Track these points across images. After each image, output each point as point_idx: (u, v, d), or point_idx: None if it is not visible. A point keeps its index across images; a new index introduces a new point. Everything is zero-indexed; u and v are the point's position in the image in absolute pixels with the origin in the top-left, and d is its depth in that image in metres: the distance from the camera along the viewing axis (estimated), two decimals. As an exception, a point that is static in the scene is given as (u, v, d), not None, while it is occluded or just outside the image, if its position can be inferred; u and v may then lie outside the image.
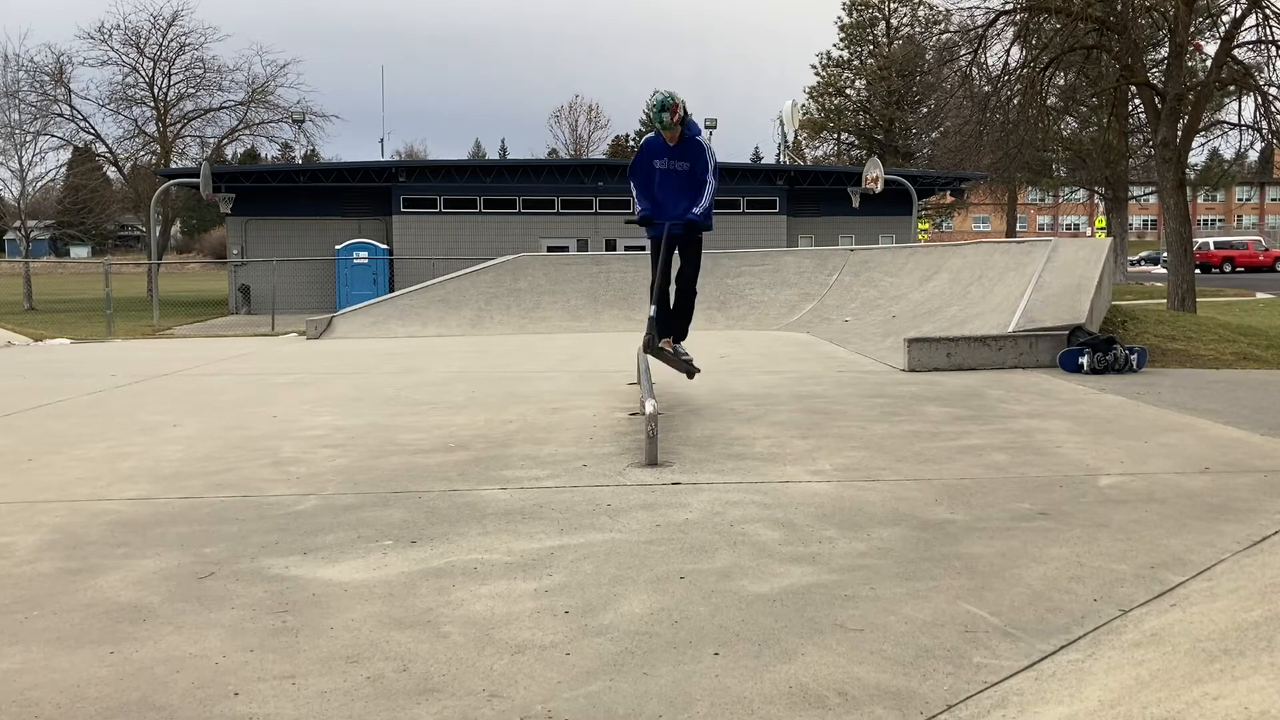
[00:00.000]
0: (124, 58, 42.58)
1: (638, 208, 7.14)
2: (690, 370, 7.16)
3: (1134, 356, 8.97)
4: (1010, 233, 58.17)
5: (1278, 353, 11.43)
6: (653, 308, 7.01)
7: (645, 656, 2.88)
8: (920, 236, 39.14)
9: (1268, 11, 18.61)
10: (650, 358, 7.36)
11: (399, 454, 5.75)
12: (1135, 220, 78.37)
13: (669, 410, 6.96)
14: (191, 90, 44.15)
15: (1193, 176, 44.30)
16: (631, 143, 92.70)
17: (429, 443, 6.06)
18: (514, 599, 3.36)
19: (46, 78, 39.55)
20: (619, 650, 2.93)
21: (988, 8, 20.39)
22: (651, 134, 7.21)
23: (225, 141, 46.51)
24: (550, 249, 29.92)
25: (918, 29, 57.35)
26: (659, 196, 7.12)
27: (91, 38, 42.04)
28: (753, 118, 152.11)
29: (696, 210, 6.93)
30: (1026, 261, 12.64)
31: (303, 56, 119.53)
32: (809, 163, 56.86)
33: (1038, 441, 5.82)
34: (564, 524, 4.24)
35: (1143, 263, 58.42)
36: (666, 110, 6.88)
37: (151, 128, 43.84)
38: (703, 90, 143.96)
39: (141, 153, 44.72)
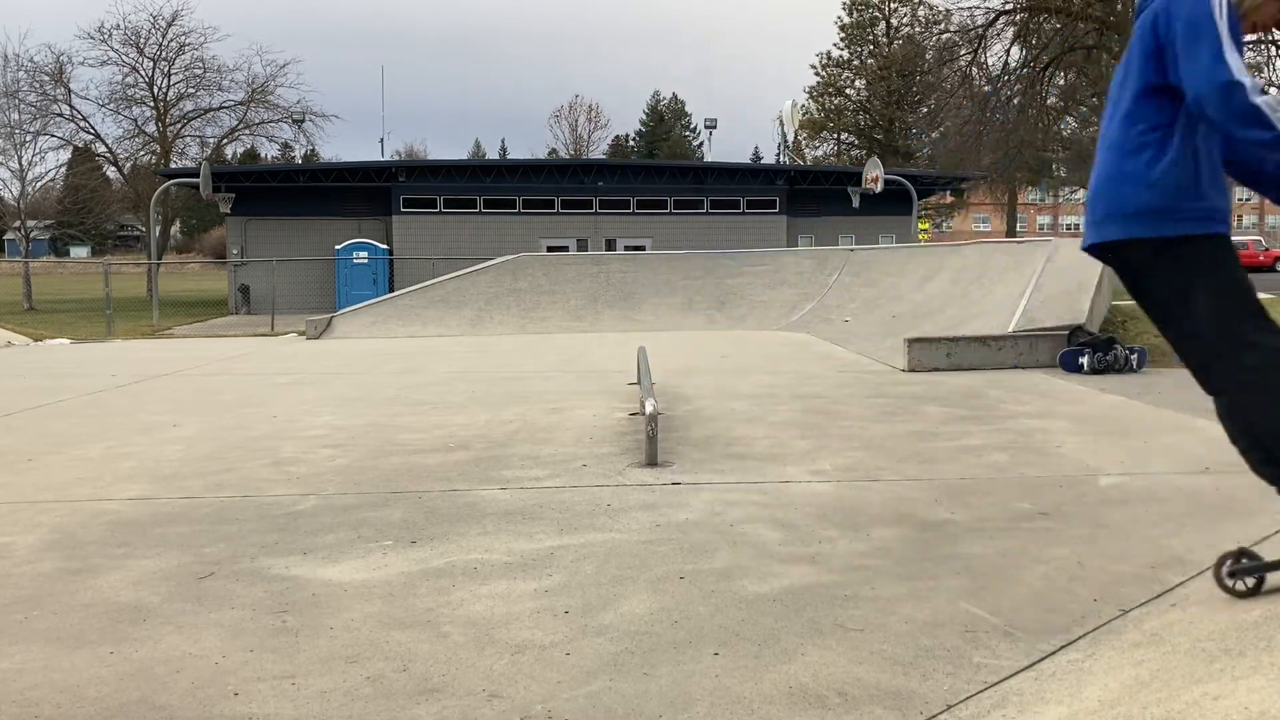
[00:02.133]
0: (124, 58, 42.60)
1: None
2: None
3: (1134, 356, 8.97)
4: (1010, 233, 58.17)
5: (1278, 353, 11.42)
6: None
7: (645, 656, 2.88)
8: (920, 236, 39.13)
9: (1268, 11, 18.61)
10: (647, 360, 6.99)
11: (399, 454, 5.75)
12: (1135, 220, 78.14)
13: (669, 410, 6.96)
14: (191, 90, 44.19)
15: (1193, 176, 44.18)
16: (632, 142, 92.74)
17: (429, 443, 6.06)
18: (514, 599, 3.36)
19: (46, 78, 39.56)
20: (619, 650, 2.92)
21: (988, 8, 20.45)
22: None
23: (225, 141, 46.53)
24: (550, 249, 29.91)
25: (918, 29, 57.32)
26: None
27: (91, 38, 42.07)
28: (753, 118, 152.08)
29: None
30: (1026, 261, 12.64)
31: (302, 56, 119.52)
32: (809, 163, 56.86)
33: (1038, 441, 5.82)
34: (564, 524, 4.24)
35: (1143, 263, 58.29)
36: None
37: (151, 128, 43.85)
38: (703, 90, 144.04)
39: (141, 153, 44.74)
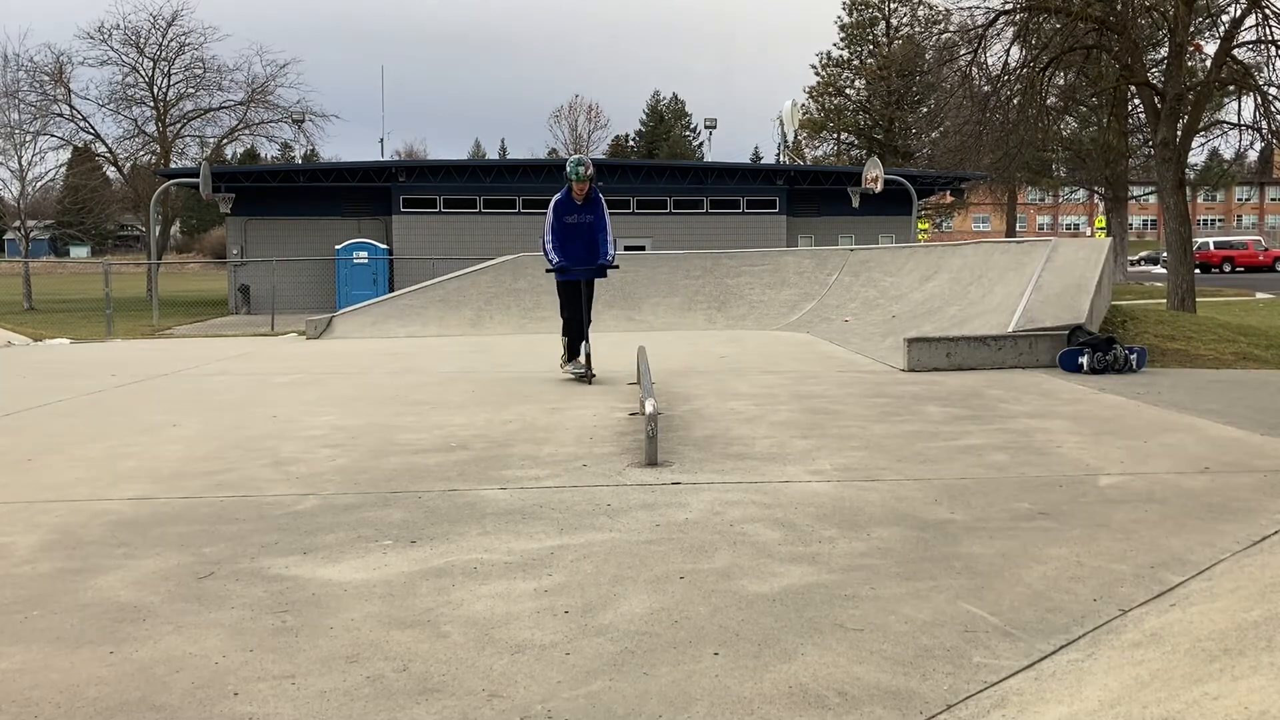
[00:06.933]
0: (124, 58, 42.66)
1: (554, 259, 8.76)
2: (593, 377, 8.79)
3: (1134, 356, 8.97)
4: (1010, 233, 58.17)
5: (1278, 353, 11.42)
6: (584, 343, 8.87)
7: (645, 656, 2.88)
8: (920, 236, 39.14)
9: (1267, 11, 18.62)
10: (646, 360, 7.95)
11: (399, 454, 5.75)
12: (1135, 220, 78.39)
13: (669, 410, 6.96)
14: (191, 90, 44.25)
15: (1193, 176, 44.35)
16: (632, 142, 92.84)
17: (429, 443, 6.06)
18: (514, 599, 3.36)
19: (46, 78, 39.63)
20: (619, 650, 2.93)
21: (988, 8, 20.41)
22: (559, 195, 8.82)
23: (225, 141, 46.58)
24: (550, 249, 29.84)
25: (918, 29, 57.37)
26: (569, 248, 8.80)
27: (91, 38, 42.12)
28: (753, 117, 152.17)
29: (610, 255, 8.92)
30: (1026, 261, 12.63)
31: (302, 56, 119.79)
32: (809, 163, 56.85)
33: (1038, 441, 5.82)
34: (564, 524, 4.24)
35: (1143, 263, 58.43)
36: (583, 165, 8.71)
37: (151, 128, 43.87)
38: (704, 89, 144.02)
39: (141, 153, 44.78)
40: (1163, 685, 2.38)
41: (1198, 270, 29.75)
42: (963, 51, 21.78)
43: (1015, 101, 20.78)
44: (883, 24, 61.07)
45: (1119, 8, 20.24)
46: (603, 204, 8.92)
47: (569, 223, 8.80)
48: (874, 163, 30.03)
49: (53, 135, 40.13)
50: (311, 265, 30.29)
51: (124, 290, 36.48)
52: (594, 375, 8.79)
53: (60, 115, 40.72)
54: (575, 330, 8.97)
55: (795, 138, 57.90)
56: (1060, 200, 65.59)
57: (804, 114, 58.56)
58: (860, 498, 4.59)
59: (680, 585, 3.46)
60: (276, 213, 32.12)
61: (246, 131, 45.80)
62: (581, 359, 8.83)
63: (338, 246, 30.72)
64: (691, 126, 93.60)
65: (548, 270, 8.97)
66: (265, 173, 35.90)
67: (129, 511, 4.56)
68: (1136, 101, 25.87)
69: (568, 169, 8.76)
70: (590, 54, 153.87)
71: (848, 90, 62.53)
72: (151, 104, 43.52)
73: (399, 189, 32.03)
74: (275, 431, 6.56)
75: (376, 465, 5.46)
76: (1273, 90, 19.47)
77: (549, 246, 8.74)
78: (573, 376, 8.87)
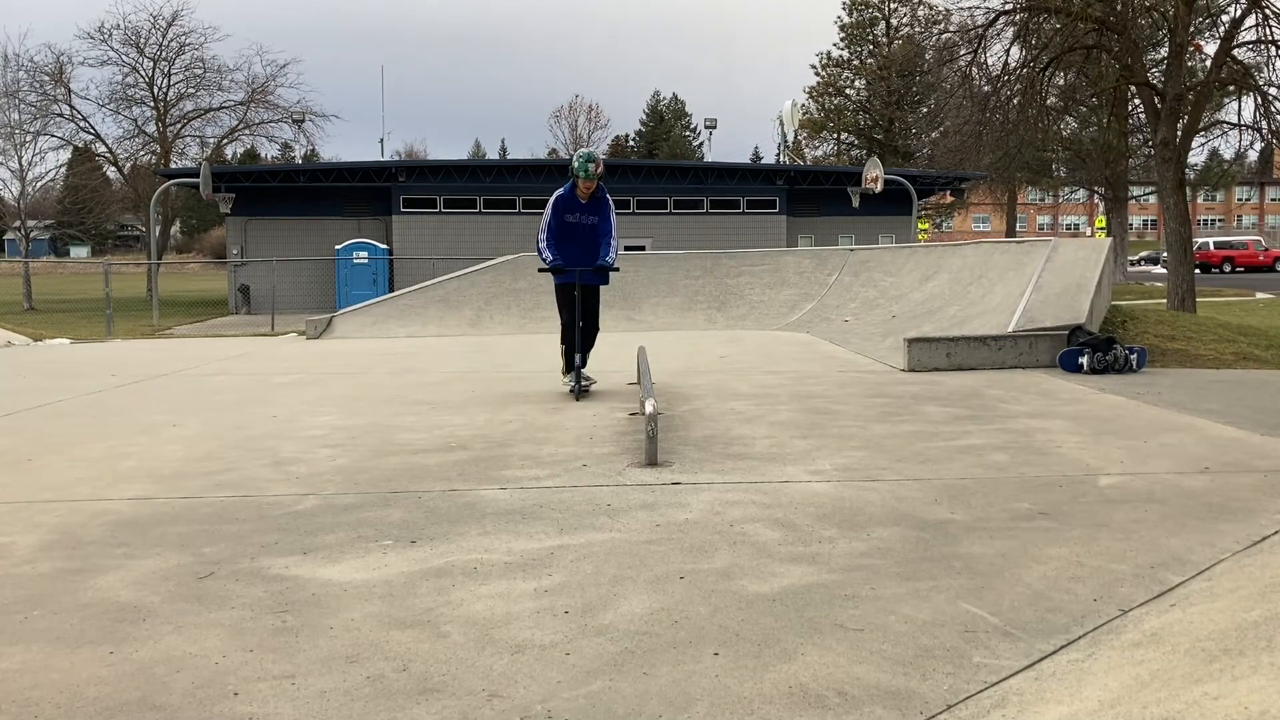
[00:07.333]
0: (124, 58, 42.68)
1: (548, 256, 7.94)
2: (584, 391, 7.99)
3: (1134, 356, 8.97)
4: (1010, 233, 58.16)
5: (1278, 353, 11.42)
6: (579, 352, 8.04)
7: (645, 656, 2.88)
8: (920, 236, 39.14)
9: (1267, 11, 18.62)
10: (646, 360, 7.79)
11: (399, 454, 5.75)
12: (1135, 220, 78.39)
13: (669, 410, 6.96)
14: (191, 90, 44.27)
15: (1193, 176, 44.34)
16: (632, 142, 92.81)
17: (429, 443, 6.06)
18: (514, 599, 3.36)
19: (46, 78, 39.63)
20: (619, 650, 2.93)
21: (988, 8, 20.41)
22: (562, 191, 8.00)
23: (225, 141, 46.59)
24: (550, 249, 29.81)
25: (918, 29, 57.38)
26: (566, 249, 7.99)
27: (91, 38, 42.13)
28: (753, 117, 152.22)
29: (610, 258, 8.07)
30: (1026, 261, 12.63)
31: (302, 56, 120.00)
32: (809, 163, 56.85)
33: (1038, 441, 5.82)
34: (564, 524, 4.24)
35: (1143, 263, 58.43)
36: (592, 161, 7.85)
37: (151, 128, 43.89)
38: (704, 89, 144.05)
39: (141, 153, 44.80)
40: (1163, 685, 2.38)
41: (1198, 270, 29.74)
42: (963, 51, 21.79)
43: (1015, 101, 20.78)
44: (883, 24, 61.10)
45: (1119, 8, 20.24)
46: (610, 206, 8.06)
47: (569, 222, 7.97)
48: (874, 163, 30.01)
49: (53, 135, 40.17)
50: (311, 265, 30.29)
51: (124, 290, 36.49)
52: (586, 390, 7.98)
53: (60, 115, 40.77)
54: (570, 337, 8.11)
55: (795, 138, 57.91)
56: (1060, 200, 65.67)
57: (804, 114, 58.58)
58: (860, 498, 4.59)
59: (680, 585, 3.46)
60: (276, 213, 32.11)
61: (246, 131, 45.86)
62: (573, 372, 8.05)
63: (338, 246, 30.72)
64: (691, 126, 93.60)
65: (540, 270, 8.16)
66: (265, 173, 35.87)
67: (129, 511, 4.56)
68: (1136, 101, 25.87)
69: (574, 164, 7.81)
70: (590, 54, 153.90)
71: (848, 90, 62.55)
72: (151, 104, 43.53)
73: (399, 189, 32.02)
74: (275, 431, 6.56)
75: (376, 465, 5.46)
76: (1273, 90, 19.48)
77: (543, 244, 7.92)
78: (568, 389, 8.07)
